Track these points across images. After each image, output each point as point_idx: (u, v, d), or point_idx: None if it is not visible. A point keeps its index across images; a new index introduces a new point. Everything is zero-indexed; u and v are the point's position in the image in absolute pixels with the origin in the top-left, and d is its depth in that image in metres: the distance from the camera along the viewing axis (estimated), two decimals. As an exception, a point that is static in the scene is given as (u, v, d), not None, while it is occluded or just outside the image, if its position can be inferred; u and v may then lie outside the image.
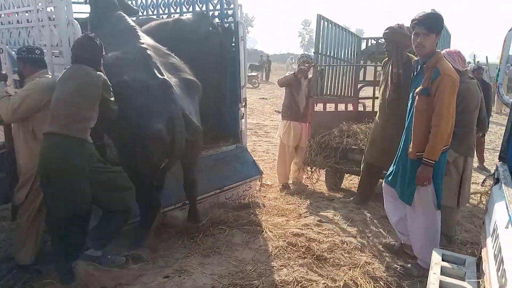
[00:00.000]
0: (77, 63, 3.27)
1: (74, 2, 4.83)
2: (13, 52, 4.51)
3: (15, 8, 4.42)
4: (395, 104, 4.32)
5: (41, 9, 3.95)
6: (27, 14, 4.28)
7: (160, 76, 3.56)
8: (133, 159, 3.65)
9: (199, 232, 3.86)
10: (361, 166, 4.82)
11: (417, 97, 3.14)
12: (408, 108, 3.37)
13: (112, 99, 3.31)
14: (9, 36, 4.67)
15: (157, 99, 3.49)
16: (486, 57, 14.39)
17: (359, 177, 5.03)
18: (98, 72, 3.27)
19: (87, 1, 4.75)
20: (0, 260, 3.62)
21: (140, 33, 4.09)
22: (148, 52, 3.75)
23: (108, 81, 3.30)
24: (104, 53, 3.40)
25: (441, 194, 3.30)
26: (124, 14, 4.43)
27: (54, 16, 3.85)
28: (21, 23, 4.40)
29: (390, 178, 3.56)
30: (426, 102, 3.07)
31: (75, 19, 3.85)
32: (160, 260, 3.45)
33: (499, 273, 1.85)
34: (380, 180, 4.86)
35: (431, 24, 3.08)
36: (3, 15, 4.69)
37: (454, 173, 3.81)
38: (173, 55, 4.11)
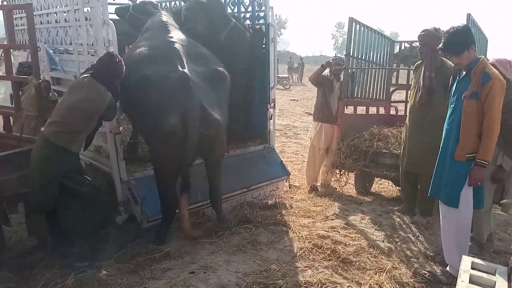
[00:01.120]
0: (94, 77, 3.39)
1: (110, 3, 5.03)
2: (51, 51, 4.71)
3: (54, 8, 4.60)
4: (426, 108, 4.26)
5: (78, 9, 4.10)
6: (65, 14, 4.44)
7: (180, 68, 3.53)
8: (153, 153, 3.82)
9: (225, 230, 3.89)
10: (400, 173, 4.73)
11: (464, 100, 3.19)
12: (450, 112, 3.38)
13: (112, 114, 3.53)
14: (48, 35, 4.86)
15: (175, 92, 3.46)
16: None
17: (400, 186, 4.94)
18: (107, 92, 3.39)
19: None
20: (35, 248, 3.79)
21: (172, 28, 4.15)
22: (175, 45, 3.79)
23: (114, 102, 3.48)
24: (123, 74, 3.49)
25: (483, 194, 3.31)
26: (162, 11, 4.54)
27: (90, 16, 3.98)
28: (59, 22, 4.58)
29: (433, 189, 3.49)
30: (476, 105, 3.15)
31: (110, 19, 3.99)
32: (187, 256, 3.50)
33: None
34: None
35: (456, 47, 3.20)
36: (42, 16, 4.88)
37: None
38: (204, 47, 4.12)
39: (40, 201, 3.37)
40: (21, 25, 5.16)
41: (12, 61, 5.39)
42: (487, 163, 3.15)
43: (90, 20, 4.01)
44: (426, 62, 4.29)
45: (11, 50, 4.25)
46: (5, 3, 5.73)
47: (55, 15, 4.72)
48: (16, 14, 5.01)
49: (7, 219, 3.53)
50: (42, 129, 3.36)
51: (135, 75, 3.57)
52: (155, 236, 3.78)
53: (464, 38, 3.19)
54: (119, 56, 3.48)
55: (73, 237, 3.51)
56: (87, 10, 4.03)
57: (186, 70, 3.52)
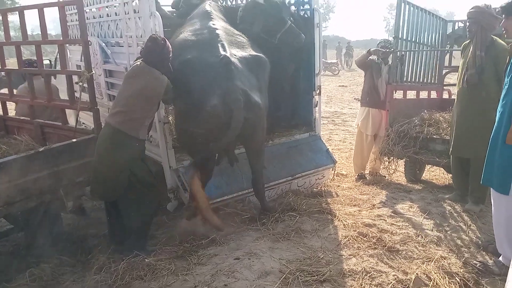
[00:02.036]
0: (146, 63, 3.51)
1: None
2: (104, 44, 4.91)
3: (105, 2, 4.79)
4: (476, 89, 4.06)
5: (127, 2, 4.24)
6: (115, 8, 4.61)
7: (222, 52, 3.60)
8: (192, 137, 3.79)
9: (270, 218, 3.94)
10: (450, 160, 4.56)
11: None
12: (504, 93, 3.19)
13: (170, 96, 3.63)
14: (100, 29, 5.07)
15: (217, 75, 3.52)
16: None
17: (451, 173, 4.77)
18: (163, 77, 3.50)
19: None
20: (90, 235, 4.03)
21: (214, 16, 4.25)
22: (217, 31, 3.89)
23: (170, 84, 3.57)
24: (170, 54, 3.59)
25: None
26: (207, 2, 4.64)
27: (138, 9, 4.11)
28: (110, 16, 4.76)
29: (485, 177, 3.34)
30: None
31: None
32: (232, 242, 3.58)
33: None
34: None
35: (509, 6, 3.09)
36: (94, 10, 5.09)
37: None
38: (243, 35, 4.18)
39: (109, 190, 3.52)
40: (74, 20, 5.41)
41: (68, 55, 5.72)
42: None
43: (138, 12, 4.13)
44: (476, 40, 4.07)
45: (66, 45, 4.47)
46: None
47: (106, 9, 4.91)
48: (69, 10, 5.25)
49: (65, 206, 3.75)
50: (106, 119, 3.52)
51: (177, 60, 3.67)
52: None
53: None
54: (162, 37, 3.59)
55: (129, 224, 3.64)
56: (135, 3, 4.16)
57: (227, 54, 3.60)
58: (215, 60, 3.58)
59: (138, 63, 3.59)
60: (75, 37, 5.44)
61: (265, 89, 3.92)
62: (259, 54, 3.96)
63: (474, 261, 3.32)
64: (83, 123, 5.74)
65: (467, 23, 4.24)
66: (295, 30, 4.68)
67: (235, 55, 3.72)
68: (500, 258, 3.24)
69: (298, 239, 3.58)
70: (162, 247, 3.64)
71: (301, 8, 5.24)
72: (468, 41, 4.29)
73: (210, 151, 3.66)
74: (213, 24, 4.03)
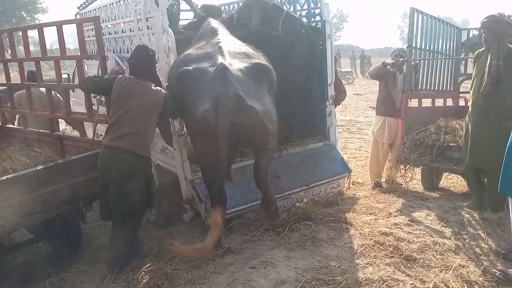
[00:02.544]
0: (134, 73, 3.59)
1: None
2: (119, 59, 5.02)
3: (120, 19, 4.91)
4: (493, 98, 4.01)
5: (141, 19, 4.34)
6: (130, 24, 4.73)
7: (220, 61, 3.55)
8: (194, 146, 3.88)
9: (286, 227, 3.94)
10: (465, 169, 4.52)
11: None
12: None
13: (170, 106, 3.62)
14: (116, 44, 5.19)
15: (212, 81, 3.45)
16: None
17: (466, 181, 4.71)
18: (158, 88, 3.57)
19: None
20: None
21: (221, 31, 4.28)
22: (220, 44, 3.86)
23: (167, 94, 3.61)
24: (156, 62, 3.75)
25: None
26: (214, 19, 4.67)
27: (151, 25, 4.21)
28: (125, 32, 4.87)
29: (502, 185, 3.29)
30: None
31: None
32: (248, 251, 3.60)
33: None
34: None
35: None
36: (110, 26, 5.23)
37: None
38: (251, 46, 4.14)
39: (131, 208, 3.58)
40: (91, 36, 5.55)
41: (86, 70, 5.87)
42: None
43: (151, 28, 4.23)
44: (493, 49, 4.01)
45: (83, 60, 4.59)
46: (78, 16, 6.21)
47: (121, 25, 5.04)
48: (86, 26, 5.39)
49: (84, 217, 3.82)
50: (111, 143, 3.52)
51: (177, 71, 3.71)
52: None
53: None
54: (149, 48, 3.77)
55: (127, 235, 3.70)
56: (149, 19, 4.25)
57: (224, 62, 3.54)
58: (213, 69, 3.55)
59: (125, 79, 3.61)
60: (93, 52, 5.58)
61: (270, 97, 3.79)
62: (262, 62, 3.87)
63: (494, 270, 3.26)
64: (101, 135, 5.86)
65: (483, 33, 4.17)
66: (294, 16, 4.77)
67: (234, 63, 3.66)
68: (521, 266, 3.19)
69: (314, 248, 3.57)
70: (177, 257, 3.66)
71: (312, 20, 5.29)
72: (482, 49, 4.25)
73: (217, 165, 3.45)
74: (218, 39, 4.02)
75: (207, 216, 4.05)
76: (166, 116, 3.76)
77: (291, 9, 5.46)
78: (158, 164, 4.65)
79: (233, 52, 3.84)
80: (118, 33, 5.07)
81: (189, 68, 3.63)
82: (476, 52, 4.42)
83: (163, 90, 3.61)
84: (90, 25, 5.36)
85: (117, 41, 5.13)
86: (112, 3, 5.01)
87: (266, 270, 3.21)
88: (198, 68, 3.63)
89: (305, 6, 5.35)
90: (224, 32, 4.36)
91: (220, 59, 3.59)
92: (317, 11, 5.21)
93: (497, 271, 3.24)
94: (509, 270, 3.25)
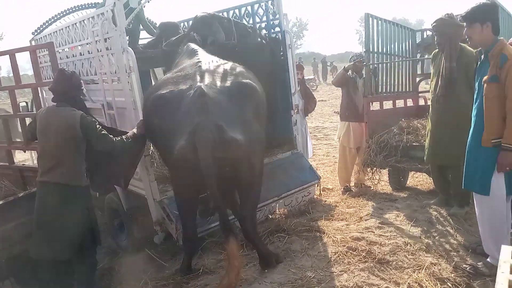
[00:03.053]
0: (54, 99, 3.47)
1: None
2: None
3: (78, 41, 4.81)
4: (449, 98, 4.14)
5: (99, 40, 4.27)
6: (87, 46, 4.64)
7: (198, 84, 3.24)
8: (171, 180, 3.69)
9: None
10: (429, 166, 4.63)
11: (485, 85, 3.12)
12: (475, 98, 3.30)
13: (99, 133, 3.36)
14: (74, 67, 5.07)
15: (189, 110, 3.15)
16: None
17: (432, 179, 4.83)
18: (74, 112, 3.36)
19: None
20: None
21: (200, 52, 4.02)
22: (200, 64, 3.56)
23: (87, 118, 3.38)
24: (82, 86, 3.63)
25: None
26: (192, 44, 4.36)
27: (110, 46, 4.14)
28: (83, 55, 4.78)
29: (466, 181, 3.40)
30: (496, 88, 3.06)
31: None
32: (222, 270, 3.54)
33: None
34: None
35: (470, 15, 3.13)
36: (67, 49, 5.11)
37: None
38: (236, 64, 3.83)
39: (64, 248, 3.36)
40: (48, 61, 5.41)
41: (45, 96, 5.70)
42: None
43: (110, 49, 4.16)
44: (446, 52, 4.14)
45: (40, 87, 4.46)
46: (33, 42, 6.04)
47: (79, 47, 4.93)
48: (41, 52, 5.25)
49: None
50: (41, 178, 3.36)
51: (152, 96, 3.54)
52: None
53: (481, 11, 3.11)
54: (68, 70, 3.68)
55: (84, 276, 3.59)
56: (108, 40, 4.18)
57: (202, 85, 3.21)
58: (190, 93, 3.24)
59: (45, 110, 3.54)
60: (50, 78, 5.43)
61: (257, 121, 3.44)
62: (245, 80, 3.51)
63: (464, 265, 3.35)
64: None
65: (435, 37, 4.30)
66: (240, 23, 4.91)
67: (214, 84, 3.33)
68: (488, 259, 3.28)
69: (288, 260, 3.56)
70: (149, 282, 3.57)
71: (272, 31, 5.34)
72: (438, 50, 4.38)
73: (211, 199, 3.27)
74: (198, 58, 3.75)
75: (179, 236, 3.98)
76: (96, 144, 3.41)
77: (250, 21, 5.50)
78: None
79: (214, 71, 3.52)
80: (75, 56, 4.96)
81: (164, 92, 3.39)
82: (433, 53, 4.55)
83: (81, 114, 3.38)
84: (45, 50, 5.22)
85: (75, 64, 5.02)
86: (68, 26, 4.92)
87: None
88: (174, 92, 3.35)
89: (264, 18, 5.40)
90: (203, 53, 4.08)
91: (198, 81, 3.29)
92: (276, 22, 5.27)
93: (467, 266, 3.33)
94: (478, 263, 3.34)
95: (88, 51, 4.64)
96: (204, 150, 2.93)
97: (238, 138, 3.07)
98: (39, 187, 3.42)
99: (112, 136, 3.45)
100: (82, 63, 4.88)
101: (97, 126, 3.41)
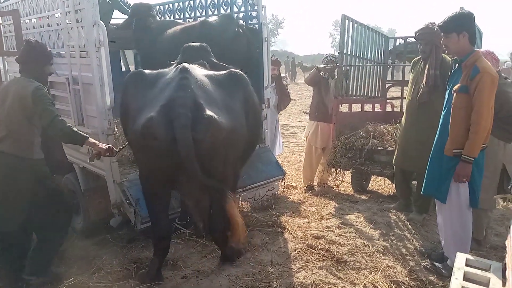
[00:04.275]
0: (19, 69, 3.34)
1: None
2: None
3: (46, 12, 4.57)
4: (426, 105, 4.21)
5: (69, 11, 4.07)
6: (56, 17, 4.41)
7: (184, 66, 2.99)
8: (139, 165, 3.33)
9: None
10: (393, 171, 4.71)
11: (454, 94, 3.16)
12: (444, 106, 3.36)
13: (46, 106, 3.13)
14: (40, 39, 4.82)
15: (167, 87, 2.87)
16: (524, 56, 13.83)
17: (394, 183, 4.91)
18: (31, 82, 3.20)
19: None
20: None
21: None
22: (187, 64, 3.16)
23: (42, 90, 3.17)
24: (49, 58, 3.41)
25: (479, 192, 3.26)
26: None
27: (81, 18, 3.96)
28: (51, 26, 4.55)
29: (425, 187, 3.47)
30: (465, 99, 3.10)
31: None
32: (179, 261, 3.47)
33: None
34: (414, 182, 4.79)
35: (446, 25, 3.17)
36: (34, 20, 4.85)
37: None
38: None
39: (8, 218, 3.21)
40: (12, 31, 5.13)
41: (7, 67, 5.40)
42: (472, 159, 3.08)
43: (81, 22, 3.97)
44: (431, 59, 4.19)
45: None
46: (-4, 10, 5.70)
47: (47, 19, 4.69)
48: (5, 21, 4.98)
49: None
50: None
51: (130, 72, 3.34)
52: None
53: (458, 20, 3.14)
54: (36, 40, 3.52)
55: (41, 246, 3.40)
56: (78, 12, 3.99)
57: (186, 64, 3.01)
58: (172, 69, 3.03)
59: (12, 80, 3.44)
60: (14, 48, 5.15)
61: (241, 113, 3.14)
62: (237, 70, 3.29)
63: (425, 263, 3.46)
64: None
65: (420, 45, 4.33)
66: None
67: (202, 70, 3.14)
68: (448, 262, 3.36)
69: (247, 253, 3.53)
70: (102, 267, 3.45)
71: (250, 22, 5.27)
72: (418, 57, 4.43)
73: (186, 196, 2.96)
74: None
75: (137, 221, 3.87)
76: (40, 117, 3.14)
77: (228, 10, 5.40)
78: (84, 167, 4.38)
79: (200, 63, 3.33)
80: (43, 27, 4.72)
81: (143, 70, 3.17)
82: (413, 60, 4.61)
83: (37, 85, 3.18)
84: (10, 19, 4.94)
85: (42, 36, 4.78)
86: (38, -5, 4.66)
87: (197, 279, 3.13)
88: (155, 71, 3.11)
89: (243, 9, 5.32)
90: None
91: (186, 65, 3.01)
92: (254, 13, 5.19)
93: (428, 263, 3.45)
94: (438, 264, 3.43)
95: (57, 23, 4.42)
96: (181, 128, 2.60)
97: (218, 119, 2.76)
98: None
99: (59, 116, 3.20)
100: (50, 35, 4.64)
101: (48, 100, 3.19)
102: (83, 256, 3.78)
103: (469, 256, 2.65)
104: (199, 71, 3.05)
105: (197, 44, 3.87)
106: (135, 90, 3.12)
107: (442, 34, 3.23)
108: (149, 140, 2.74)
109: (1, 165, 3.20)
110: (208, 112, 2.71)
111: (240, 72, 3.26)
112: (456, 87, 3.14)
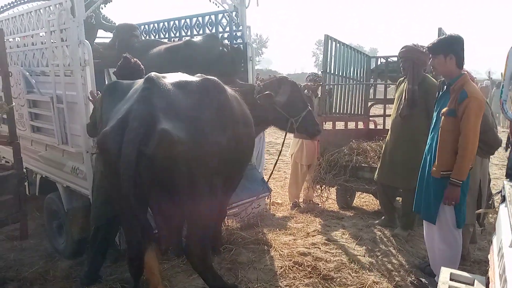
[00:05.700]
0: None
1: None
2: (27, 73, 4.66)
3: (31, 31, 4.58)
4: (408, 120, 4.30)
5: (54, 31, 4.08)
6: (41, 36, 4.42)
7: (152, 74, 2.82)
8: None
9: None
10: (377, 187, 4.77)
11: (443, 117, 3.21)
12: (432, 127, 3.43)
13: None
14: (24, 58, 4.82)
15: (130, 99, 2.74)
16: (501, 74, 14.20)
17: (378, 199, 4.96)
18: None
19: None
20: (9, 279, 3.68)
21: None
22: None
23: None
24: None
25: (465, 212, 3.31)
26: None
27: (66, 37, 3.97)
28: (36, 45, 4.54)
29: (416, 205, 3.52)
30: (453, 122, 3.15)
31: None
32: (165, 280, 3.41)
33: (503, 293, 1.80)
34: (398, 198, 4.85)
35: (435, 46, 3.25)
36: (18, 39, 4.85)
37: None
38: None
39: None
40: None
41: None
42: (461, 182, 3.13)
43: (66, 41, 3.99)
44: (409, 75, 4.32)
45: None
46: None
47: (31, 37, 4.69)
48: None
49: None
50: None
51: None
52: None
53: (446, 43, 3.22)
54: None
55: None
56: (63, 31, 4.01)
57: (154, 73, 2.82)
58: (138, 86, 2.84)
59: None
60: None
61: (214, 124, 2.86)
62: (211, 77, 3.06)
63: (412, 279, 3.49)
64: (3, 158, 5.35)
65: (401, 62, 4.48)
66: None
67: (171, 78, 2.90)
68: (436, 279, 3.39)
69: (234, 271, 3.51)
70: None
71: (235, 42, 5.35)
72: (404, 77, 4.55)
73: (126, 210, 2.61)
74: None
75: (121, 240, 3.82)
76: None
77: (213, 30, 5.48)
78: (68, 186, 4.33)
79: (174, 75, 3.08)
80: (27, 45, 4.71)
81: (119, 81, 3.15)
82: (399, 80, 4.74)
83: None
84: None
85: (26, 55, 4.77)
86: (22, 14, 4.67)
87: (184, 298, 3.08)
88: (130, 81, 3.03)
89: (227, 29, 5.40)
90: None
91: (153, 74, 2.83)
92: (239, 33, 5.28)
93: (415, 279, 3.47)
94: (425, 280, 3.47)
95: (42, 42, 4.42)
96: (126, 143, 2.45)
97: (173, 132, 2.51)
98: None
99: None
100: (34, 54, 4.64)
101: None
102: (66, 276, 3.71)
103: (454, 271, 2.68)
104: (170, 79, 2.86)
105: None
106: (109, 101, 3.01)
107: (430, 55, 3.31)
108: (104, 155, 2.68)
109: None
110: (162, 126, 2.51)
111: (214, 79, 3.03)
112: (444, 110, 3.20)
